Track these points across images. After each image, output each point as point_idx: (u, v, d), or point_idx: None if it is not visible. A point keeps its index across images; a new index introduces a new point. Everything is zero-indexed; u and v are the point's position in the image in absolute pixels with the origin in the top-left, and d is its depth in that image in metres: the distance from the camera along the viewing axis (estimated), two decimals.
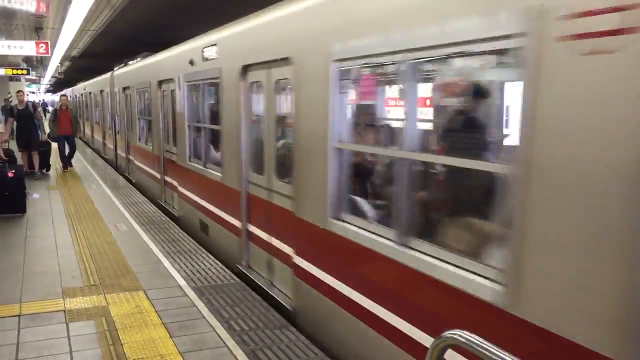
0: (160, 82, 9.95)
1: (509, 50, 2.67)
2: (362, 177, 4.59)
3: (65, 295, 5.51)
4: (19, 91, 14.39)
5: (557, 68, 2.37)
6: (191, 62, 7.80)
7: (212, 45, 7.02)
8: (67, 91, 36.19)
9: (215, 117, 7.36)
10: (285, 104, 5.37)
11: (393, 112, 5.52)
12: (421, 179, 3.69)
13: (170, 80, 9.23)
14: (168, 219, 9.02)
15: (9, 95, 27.62)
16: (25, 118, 13.15)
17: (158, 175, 10.64)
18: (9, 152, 11.93)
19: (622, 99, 2.11)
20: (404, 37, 3.33)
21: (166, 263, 6.58)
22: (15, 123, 13.14)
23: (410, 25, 3.27)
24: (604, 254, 2.21)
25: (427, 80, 4.32)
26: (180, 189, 9.03)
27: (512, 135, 2.89)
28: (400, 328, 3.49)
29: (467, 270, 2.99)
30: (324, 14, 4.30)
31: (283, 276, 5.38)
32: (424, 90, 4.43)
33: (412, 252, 3.39)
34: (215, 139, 7.51)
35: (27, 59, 26.27)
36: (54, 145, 14.75)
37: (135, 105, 12.54)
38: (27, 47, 18.12)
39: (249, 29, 5.92)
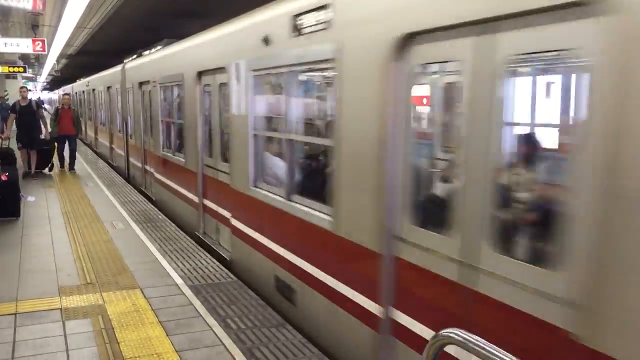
0: (200, 74, 7.51)
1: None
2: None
3: (62, 294, 5.49)
4: (22, 87, 13.90)
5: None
6: (266, 40, 5.26)
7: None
8: (67, 88, 33.05)
9: (315, 123, 5.67)
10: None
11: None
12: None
13: (218, 70, 6.77)
14: (164, 217, 9.00)
15: (6, 93, 27.53)
16: (27, 115, 12.61)
17: (194, 199, 8.02)
18: (8, 151, 11.59)
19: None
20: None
21: (163, 261, 6.58)
22: (16, 120, 12.63)
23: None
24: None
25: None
26: (240, 225, 6.35)
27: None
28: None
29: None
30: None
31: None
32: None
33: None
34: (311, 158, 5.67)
35: (24, 57, 26.19)
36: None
37: (157, 104, 10.03)
38: (23, 45, 18.08)
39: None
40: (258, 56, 5.54)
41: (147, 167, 11.56)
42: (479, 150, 2.92)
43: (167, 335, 4.55)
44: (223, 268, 6.37)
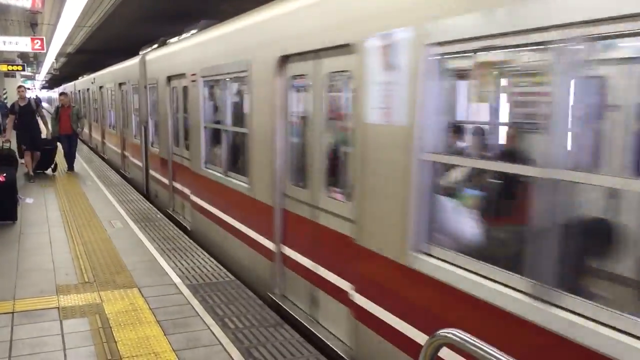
0: (284, 59, 5.02)
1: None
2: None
3: (59, 293, 5.48)
4: (19, 86, 13.41)
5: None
6: None
7: None
8: (69, 86, 30.74)
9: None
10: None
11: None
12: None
13: (332, 50, 4.26)
14: (163, 216, 8.98)
15: (4, 92, 27.48)
16: (27, 115, 12.22)
17: (267, 244, 5.52)
18: (10, 153, 11.33)
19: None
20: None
21: (161, 260, 6.57)
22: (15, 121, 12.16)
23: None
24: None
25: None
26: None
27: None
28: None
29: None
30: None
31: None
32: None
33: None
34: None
35: (23, 55, 26.15)
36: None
37: (197, 104, 7.61)
38: (22, 43, 18.04)
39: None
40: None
41: (178, 186, 9.08)
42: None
43: (165, 335, 4.54)
44: (221, 267, 6.36)
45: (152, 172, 11.06)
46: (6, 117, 12.97)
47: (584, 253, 2.73)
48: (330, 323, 4.54)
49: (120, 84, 14.08)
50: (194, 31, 8.61)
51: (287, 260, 5.22)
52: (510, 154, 3.52)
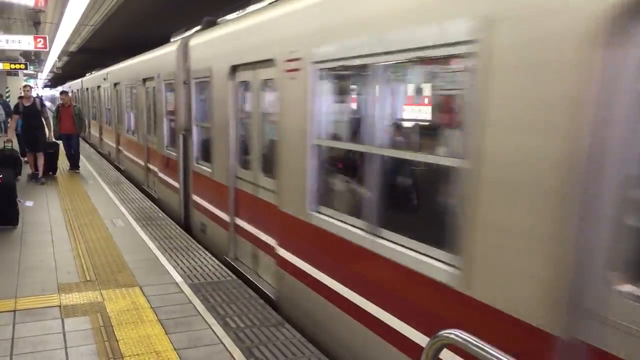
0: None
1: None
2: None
3: (61, 291, 5.49)
4: (25, 85, 12.98)
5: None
6: None
7: None
8: (76, 83, 28.86)
9: None
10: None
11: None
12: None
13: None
14: (165, 215, 8.98)
15: (7, 90, 27.50)
16: (31, 116, 11.72)
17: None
18: (13, 154, 11.32)
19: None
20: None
21: (162, 259, 6.57)
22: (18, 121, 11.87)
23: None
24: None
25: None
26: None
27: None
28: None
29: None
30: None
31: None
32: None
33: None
34: None
35: (25, 54, 26.19)
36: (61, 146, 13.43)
37: (300, 105, 4.80)
38: (25, 42, 18.08)
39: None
40: None
41: (249, 228, 6.28)
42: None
43: (166, 334, 4.54)
44: (223, 267, 6.36)
45: (196, 199, 8.16)
46: (10, 116, 12.66)
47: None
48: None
49: (144, 80, 11.35)
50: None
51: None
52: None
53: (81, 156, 14.40)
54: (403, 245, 3.53)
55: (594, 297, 2.24)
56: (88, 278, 5.89)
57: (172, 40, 9.78)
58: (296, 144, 4.81)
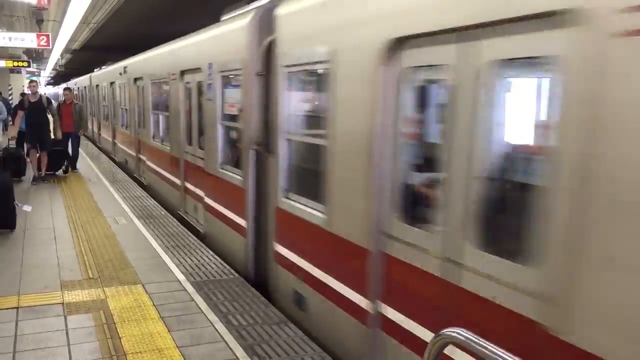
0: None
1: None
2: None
3: (64, 288, 5.50)
4: (31, 81, 12.65)
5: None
6: None
7: None
8: (83, 79, 26.30)
9: None
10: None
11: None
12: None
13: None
14: (167, 213, 8.98)
15: (10, 88, 27.55)
16: (37, 112, 11.26)
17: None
18: (17, 153, 11.19)
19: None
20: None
21: (165, 257, 6.58)
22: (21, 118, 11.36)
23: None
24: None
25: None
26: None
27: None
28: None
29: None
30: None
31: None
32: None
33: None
34: None
35: (28, 51, 26.23)
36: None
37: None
38: (28, 39, 18.08)
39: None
40: None
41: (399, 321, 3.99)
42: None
43: (169, 331, 4.55)
44: (225, 265, 6.37)
45: (283, 252, 5.26)
46: (15, 114, 11.85)
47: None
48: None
49: (183, 73, 8.59)
50: None
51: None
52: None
53: (85, 155, 14.21)
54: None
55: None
56: (91, 275, 5.90)
57: (222, 19, 7.19)
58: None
